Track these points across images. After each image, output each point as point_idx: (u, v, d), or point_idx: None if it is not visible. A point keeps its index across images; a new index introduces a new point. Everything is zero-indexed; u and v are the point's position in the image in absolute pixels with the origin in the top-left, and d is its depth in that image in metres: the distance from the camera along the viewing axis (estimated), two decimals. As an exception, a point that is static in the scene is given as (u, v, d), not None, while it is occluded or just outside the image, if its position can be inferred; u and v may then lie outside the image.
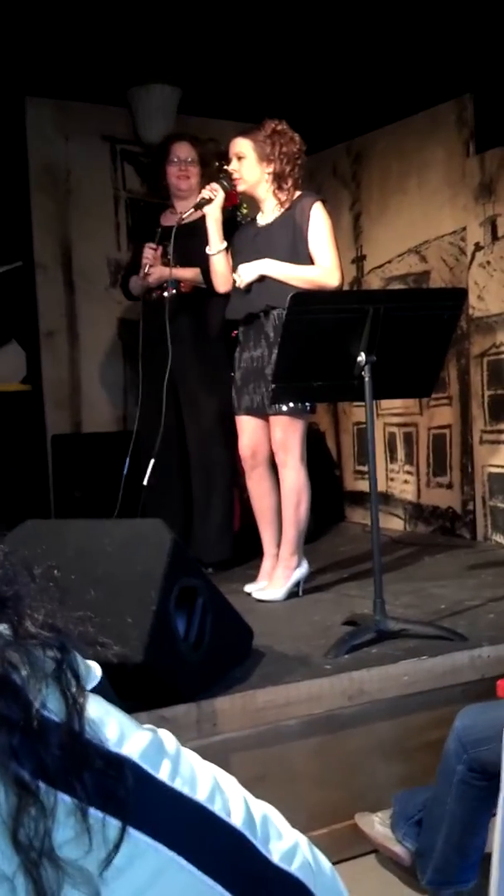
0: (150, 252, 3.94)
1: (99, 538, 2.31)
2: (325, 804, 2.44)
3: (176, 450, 4.05)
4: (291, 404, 3.38)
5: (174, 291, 3.93)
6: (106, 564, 2.23)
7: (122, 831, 0.62)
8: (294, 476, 3.47)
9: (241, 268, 3.48)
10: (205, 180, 4.00)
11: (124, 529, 2.38)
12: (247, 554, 4.08)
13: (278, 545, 3.60)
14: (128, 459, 3.74)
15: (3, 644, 0.62)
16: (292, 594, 3.54)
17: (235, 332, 3.76)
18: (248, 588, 3.61)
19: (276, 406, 3.40)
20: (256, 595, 3.53)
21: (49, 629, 0.65)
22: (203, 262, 3.76)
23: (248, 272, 3.46)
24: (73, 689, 0.64)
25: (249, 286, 3.48)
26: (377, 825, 2.37)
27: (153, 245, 3.94)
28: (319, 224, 3.43)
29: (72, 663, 0.65)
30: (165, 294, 3.95)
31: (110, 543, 2.28)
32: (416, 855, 2.23)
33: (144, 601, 2.15)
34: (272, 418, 3.47)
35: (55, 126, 4.96)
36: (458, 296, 3.18)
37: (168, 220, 4.08)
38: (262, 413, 3.51)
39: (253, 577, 3.68)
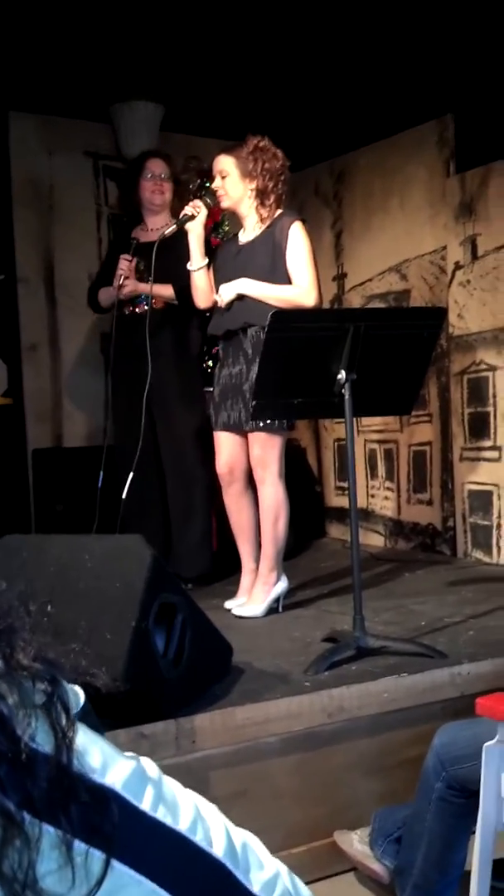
0: (125, 264, 3.94)
1: (79, 553, 2.30)
2: (305, 821, 2.43)
3: (153, 465, 4.04)
4: (269, 420, 3.39)
5: (146, 307, 3.93)
6: (86, 580, 2.22)
7: (107, 864, 0.61)
8: (272, 492, 3.48)
9: (222, 288, 3.50)
10: (177, 197, 4.03)
11: (105, 545, 2.37)
12: (226, 570, 4.07)
13: (257, 561, 3.60)
14: (101, 473, 3.73)
15: None
16: (272, 610, 3.54)
17: (216, 348, 3.77)
18: (227, 604, 3.60)
19: (254, 422, 3.41)
20: (236, 611, 3.53)
21: (41, 661, 0.65)
22: (177, 280, 3.76)
23: (227, 292, 3.47)
24: (63, 722, 0.63)
25: (230, 304, 3.49)
26: (356, 843, 2.37)
27: (128, 257, 3.94)
28: (298, 244, 3.44)
29: (62, 696, 0.64)
30: (137, 310, 3.95)
31: (91, 559, 2.27)
32: (396, 872, 2.23)
33: (124, 617, 2.15)
34: (250, 435, 3.48)
35: (38, 141, 4.97)
36: (438, 315, 3.20)
37: (139, 235, 4.09)
38: (239, 429, 3.52)
39: (232, 594, 3.68)
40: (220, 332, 3.58)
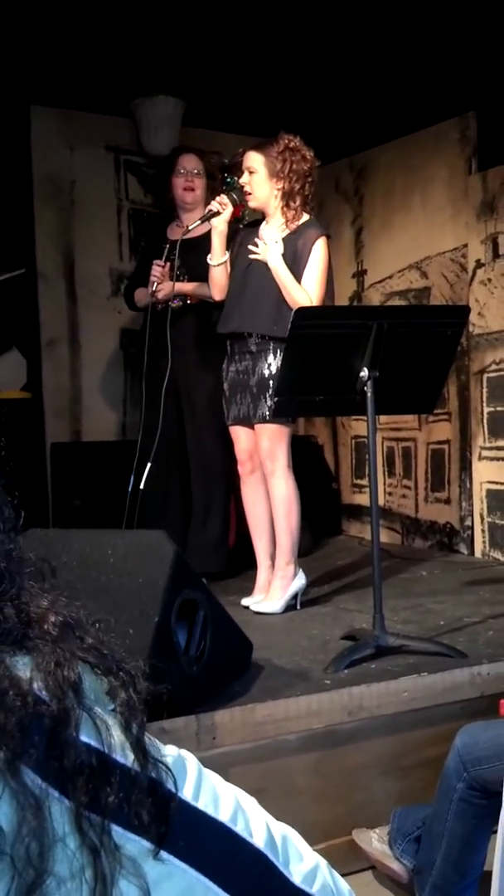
0: (157, 269, 3.93)
1: (102, 548, 2.30)
2: (323, 819, 2.43)
3: (177, 459, 4.05)
4: None
5: (180, 303, 3.95)
6: (108, 575, 2.22)
7: (155, 854, 0.62)
8: (282, 484, 3.50)
9: (272, 247, 3.41)
10: (210, 193, 4.01)
11: (127, 540, 2.38)
12: (242, 566, 4.07)
13: (272, 556, 3.61)
14: (132, 476, 3.73)
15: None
16: (290, 607, 3.54)
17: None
18: (244, 601, 3.60)
19: (261, 415, 3.44)
20: (254, 608, 3.53)
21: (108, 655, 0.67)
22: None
23: (272, 255, 3.40)
24: (135, 720, 0.65)
25: (238, 299, 3.52)
26: (375, 842, 2.37)
27: (160, 262, 3.94)
28: (318, 260, 3.45)
29: (138, 691, 0.66)
30: (172, 304, 3.96)
31: (113, 554, 2.27)
32: (415, 872, 2.23)
33: (146, 613, 2.15)
34: (257, 427, 3.52)
35: (60, 135, 4.97)
36: (461, 313, 3.19)
37: (175, 233, 4.09)
38: (247, 423, 3.57)
39: (249, 591, 3.68)
40: (226, 332, 3.60)
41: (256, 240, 3.49)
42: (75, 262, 5.03)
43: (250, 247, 3.49)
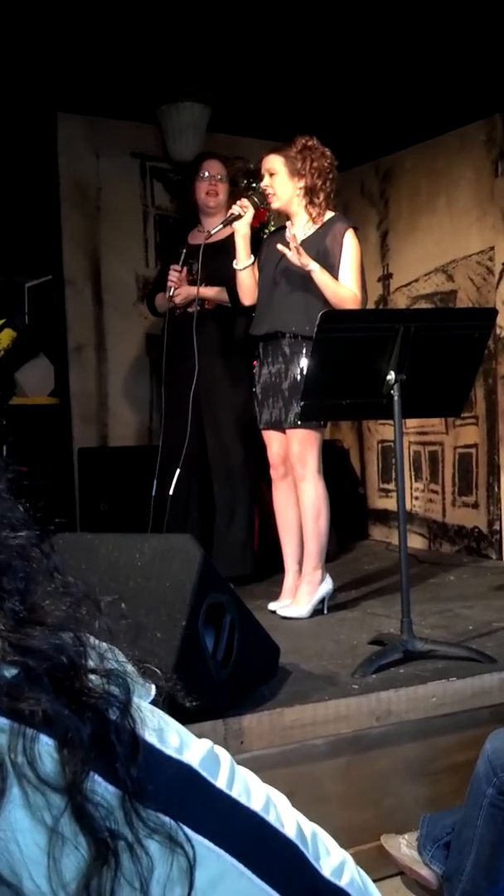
0: (174, 274, 3.96)
1: (129, 552, 2.31)
2: (351, 825, 2.42)
3: (196, 463, 4.06)
4: None
5: (198, 308, 3.96)
6: (136, 579, 2.23)
7: (189, 840, 0.63)
8: (312, 488, 3.50)
9: (304, 251, 3.37)
10: (232, 199, 4.03)
11: (154, 544, 2.38)
12: (269, 571, 4.07)
13: (299, 561, 3.61)
14: (155, 480, 3.74)
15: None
16: (317, 612, 3.53)
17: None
18: (271, 606, 3.60)
19: (292, 420, 3.44)
20: (281, 612, 3.52)
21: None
22: (229, 280, 3.78)
23: (306, 257, 3.37)
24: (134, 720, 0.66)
25: (269, 300, 3.51)
26: (404, 847, 2.35)
27: (177, 267, 3.97)
28: (350, 252, 3.47)
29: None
30: (190, 310, 3.98)
31: (140, 558, 2.28)
32: (444, 878, 2.21)
33: (174, 617, 2.15)
34: (288, 432, 3.53)
35: (86, 142, 5.00)
36: (489, 315, 3.16)
37: (196, 237, 4.12)
38: (279, 427, 3.57)
39: (275, 595, 3.68)
40: (260, 334, 3.60)
41: (286, 235, 3.40)
42: (102, 268, 5.06)
43: (279, 246, 3.42)
